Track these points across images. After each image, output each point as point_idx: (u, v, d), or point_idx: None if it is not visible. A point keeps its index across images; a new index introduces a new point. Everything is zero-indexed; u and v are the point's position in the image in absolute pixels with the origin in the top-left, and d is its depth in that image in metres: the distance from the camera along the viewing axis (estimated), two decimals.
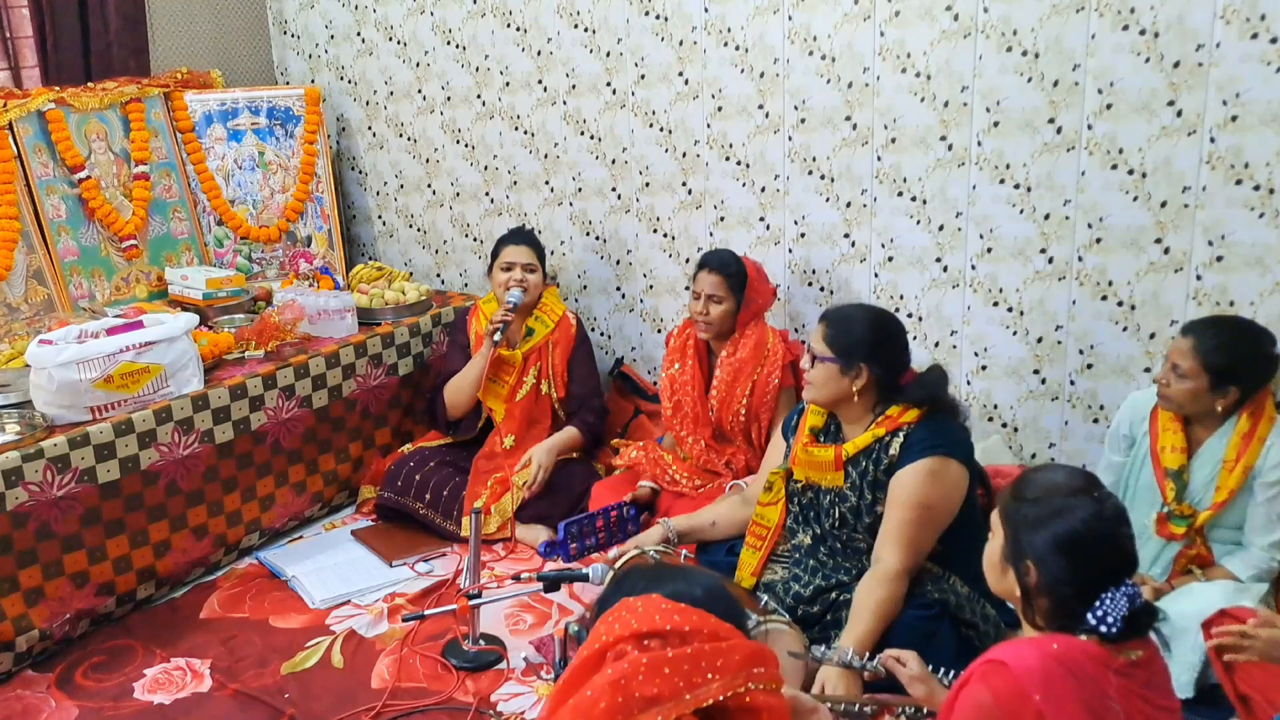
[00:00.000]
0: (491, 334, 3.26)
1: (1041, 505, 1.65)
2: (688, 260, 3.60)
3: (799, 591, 2.45)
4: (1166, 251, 2.84)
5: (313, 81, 4.24)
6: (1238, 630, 1.93)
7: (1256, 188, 2.69)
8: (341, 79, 4.18)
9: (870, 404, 2.44)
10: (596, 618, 1.43)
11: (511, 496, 3.22)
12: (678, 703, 1.30)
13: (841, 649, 2.14)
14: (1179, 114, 2.73)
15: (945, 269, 3.16)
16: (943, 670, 2.03)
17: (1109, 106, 2.81)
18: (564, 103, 3.69)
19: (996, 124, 2.96)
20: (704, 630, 1.34)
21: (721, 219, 3.50)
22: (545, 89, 3.71)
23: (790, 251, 3.41)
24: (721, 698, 1.32)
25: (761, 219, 3.43)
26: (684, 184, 3.54)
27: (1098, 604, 1.59)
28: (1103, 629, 1.57)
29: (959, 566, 2.36)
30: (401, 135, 4.10)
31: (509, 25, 3.71)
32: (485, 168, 3.95)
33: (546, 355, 3.40)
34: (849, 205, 3.26)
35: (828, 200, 3.29)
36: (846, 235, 3.29)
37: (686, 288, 3.63)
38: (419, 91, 4.00)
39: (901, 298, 3.25)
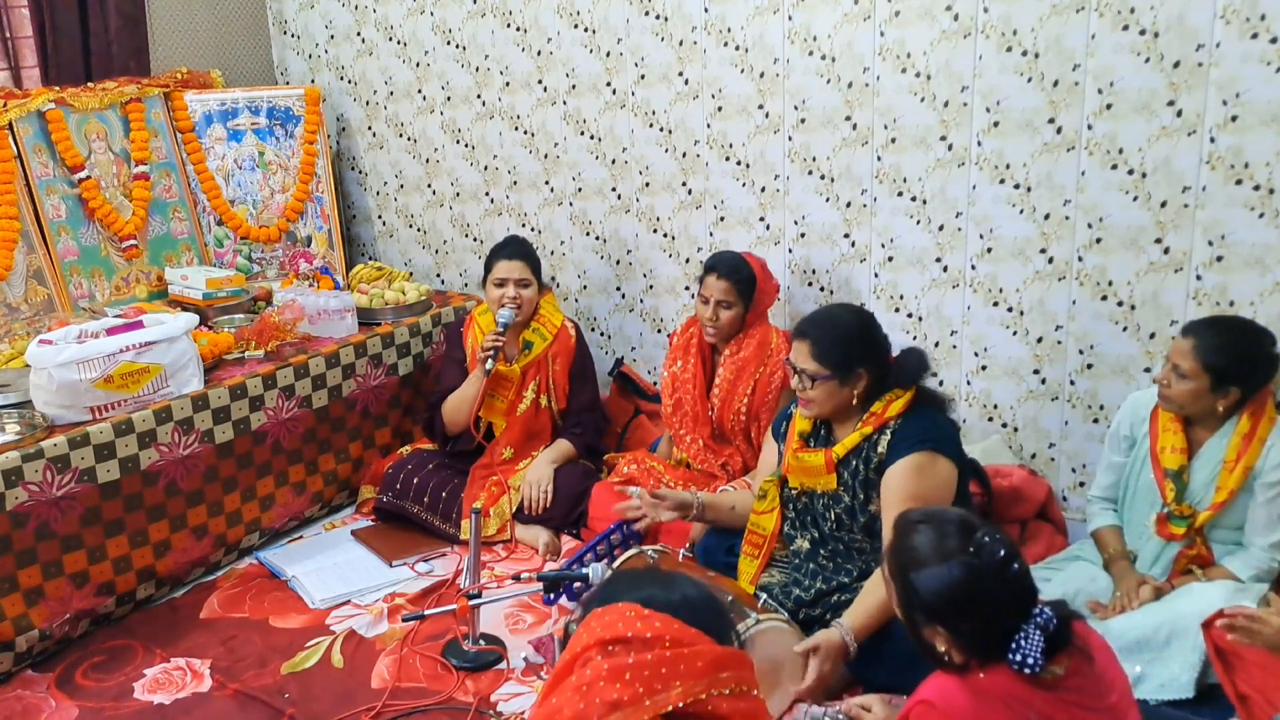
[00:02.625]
0: (484, 362, 3.16)
1: (921, 576, 1.66)
2: (688, 260, 3.60)
3: (800, 595, 2.45)
4: (1166, 251, 2.84)
5: (313, 81, 4.24)
6: (1248, 613, 1.92)
7: (1256, 188, 2.69)
8: (341, 79, 4.18)
9: (863, 402, 2.43)
10: (583, 616, 1.44)
11: (509, 499, 3.22)
12: (638, 708, 1.30)
13: (813, 709, 2.15)
14: (1179, 114, 2.73)
15: (945, 269, 3.16)
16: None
17: (1109, 106, 2.81)
18: (564, 103, 3.69)
19: (996, 124, 2.96)
20: (666, 637, 1.34)
21: (721, 219, 3.50)
22: (545, 89, 3.71)
23: (790, 251, 3.41)
24: (682, 704, 1.32)
25: (761, 219, 3.43)
26: (684, 184, 3.54)
27: (1014, 649, 1.60)
28: (1025, 670, 1.59)
29: None
30: (401, 135, 4.10)
31: (509, 25, 3.71)
32: (485, 168, 3.95)
33: (546, 369, 3.34)
34: (849, 205, 3.26)
35: (828, 200, 3.29)
36: (846, 235, 3.29)
37: (686, 288, 3.63)
38: (419, 91, 4.00)
39: (901, 298, 3.25)
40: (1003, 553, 1.64)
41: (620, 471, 3.21)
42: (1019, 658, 1.59)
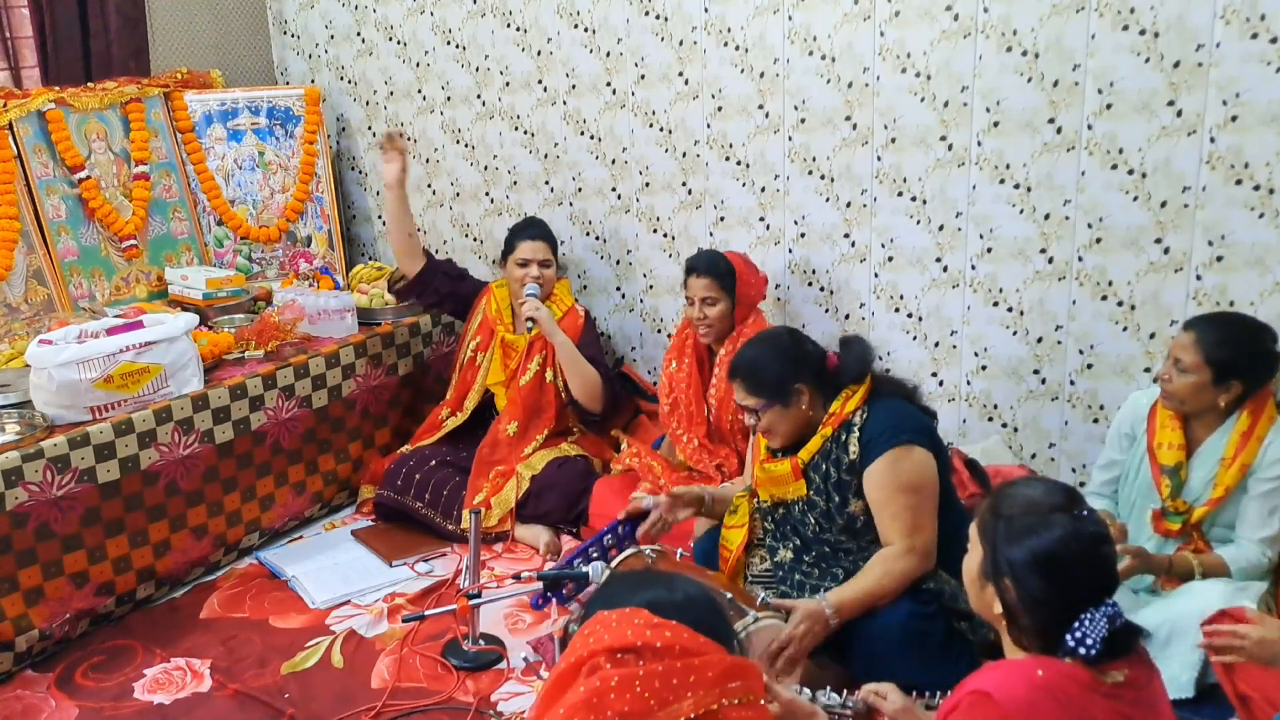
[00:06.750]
0: (525, 319, 3.28)
1: (1019, 522, 1.62)
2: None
3: None
4: (1166, 251, 2.84)
5: (313, 81, 4.24)
6: (1228, 630, 1.91)
7: (1256, 188, 2.70)
8: (341, 79, 4.17)
9: (819, 408, 2.42)
10: (585, 617, 1.42)
11: (516, 484, 3.22)
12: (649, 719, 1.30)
13: (822, 691, 2.14)
14: (1179, 114, 2.73)
15: (945, 269, 3.16)
16: (928, 695, 2.02)
17: (1109, 106, 2.81)
18: (564, 103, 3.69)
19: (996, 124, 2.96)
20: (676, 646, 1.33)
21: (721, 219, 3.50)
22: (545, 89, 3.71)
23: (790, 251, 3.41)
24: (694, 715, 1.31)
25: (761, 219, 3.43)
26: (684, 184, 3.54)
27: (1076, 626, 1.56)
28: (1081, 651, 1.55)
29: (942, 559, 2.35)
30: (402, 136, 4.09)
31: (509, 25, 3.71)
32: (485, 168, 3.95)
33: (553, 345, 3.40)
34: (849, 205, 3.25)
35: (828, 200, 3.29)
36: (846, 235, 3.29)
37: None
38: (419, 91, 3.99)
39: (901, 298, 3.25)
40: (1099, 529, 1.61)
41: (621, 461, 3.23)
42: (1078, 635, 1.55)
